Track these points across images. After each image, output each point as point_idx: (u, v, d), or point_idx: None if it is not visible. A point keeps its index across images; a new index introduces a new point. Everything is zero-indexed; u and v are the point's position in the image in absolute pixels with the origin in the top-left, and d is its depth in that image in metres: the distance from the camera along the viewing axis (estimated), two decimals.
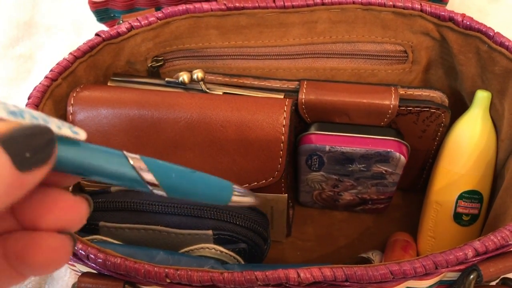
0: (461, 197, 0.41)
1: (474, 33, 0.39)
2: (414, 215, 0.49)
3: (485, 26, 0.39)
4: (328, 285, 0.29)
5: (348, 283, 0.29)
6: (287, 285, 0.29)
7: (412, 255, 0.42)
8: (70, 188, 0.40)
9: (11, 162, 0.16)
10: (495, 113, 0.40)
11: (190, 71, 0.40)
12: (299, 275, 0.29)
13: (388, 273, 0.29)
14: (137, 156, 0.20)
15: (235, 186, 0.22)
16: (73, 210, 0.20)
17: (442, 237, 0.43)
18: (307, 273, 0.29)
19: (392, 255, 0.42)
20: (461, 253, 0.29)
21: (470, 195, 0.41)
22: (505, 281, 0.31)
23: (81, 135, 0.20)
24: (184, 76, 0.40)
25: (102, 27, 0.58)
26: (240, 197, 0.22)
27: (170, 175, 0.20)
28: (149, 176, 0.20)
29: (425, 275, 0.29)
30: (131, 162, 0.20)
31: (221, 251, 0.36)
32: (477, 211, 0.41)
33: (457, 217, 0.42)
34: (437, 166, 0.42)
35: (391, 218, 0.49)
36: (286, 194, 0.41)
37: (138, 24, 0.41)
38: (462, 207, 0.41)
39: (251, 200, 0.22)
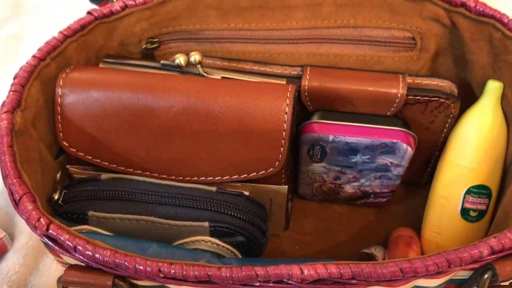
0: (469, 192, 0.39)
1: (488, 19, 0.37)
2: (417, 209, 0.47)
3: (499, 12, 0.37)
4: (332, 283, 0.27)
5: (355, 281, 0.27)
6: (289, 282, 0.27)
7: (416, 251, 0.41)
8: (58, 175, 0.37)
9: None
10: (506, 105, 0.38)
11: (187, 54, 0.38)
12: (302, 272, 0.27)
13: (398, 270, 0.27)
14: None
15: None
16: None
17: (448, 233, 0.41)
18: (311, 270, 0.27)
19: (396, 251, 0.40)
20: (475, 251, 0.27)
21: (479, 190, 0.39)
22: None
23: None
24: (180, 59, 0.38)
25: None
26: None
27: None
28: None
29: (437, 273, 0.27)
30: None
31: (218, 244, 0.34)
32: (485, 207, 0.40)
33: (464, 212, 0.40)
34: (444, 159, 0.41)
35: (393, 212, 0.47)
36: (287, 186, 0.39)
37: (133, 3, 0.39)
38: (470, 203, 0.39)
39: None
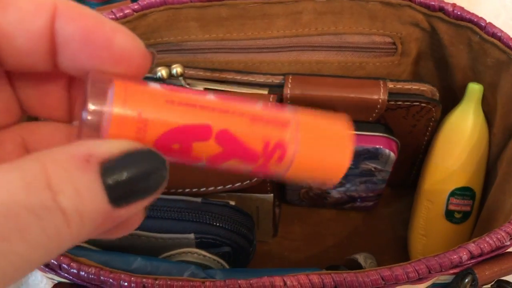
0: (453, 194, 0.40)
1: (465, 23, 0.37)
2: (404, 211, 0.47)
3: (476, 16, 0.37)
4: None
5: None
6: None
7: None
8: None
9: (107, 198, 0.14)
10: (487, 107, 0.39)
11: (169, 66, 0.38)
12: (285, 283, 0.27)
13: (379, 278, 0.27)
14: None
15: None
16: None
17: (434, 235, 0.41)
18: (293, 281, 0.27)
19: None
20: (455, 256, 0.27)
21: (462, 192, 0.39)
22: (500, 283, 0.30)
23: None
24: (162, 72, 0.38)
25: None
26: None
27: None
28: None
29: (418, 280, 0.27)
30: None
31: (204, 255, 0.35)
32: (469, 208, 0.40)
33: (449, 214, 0.40)
34: (428, 162, 0.41)
35: (380, 215, 0.48)
36: (272, 194, 0.39)
37: (113, 17, 0.39)
38: (454, 205, 0.40)
39: None
